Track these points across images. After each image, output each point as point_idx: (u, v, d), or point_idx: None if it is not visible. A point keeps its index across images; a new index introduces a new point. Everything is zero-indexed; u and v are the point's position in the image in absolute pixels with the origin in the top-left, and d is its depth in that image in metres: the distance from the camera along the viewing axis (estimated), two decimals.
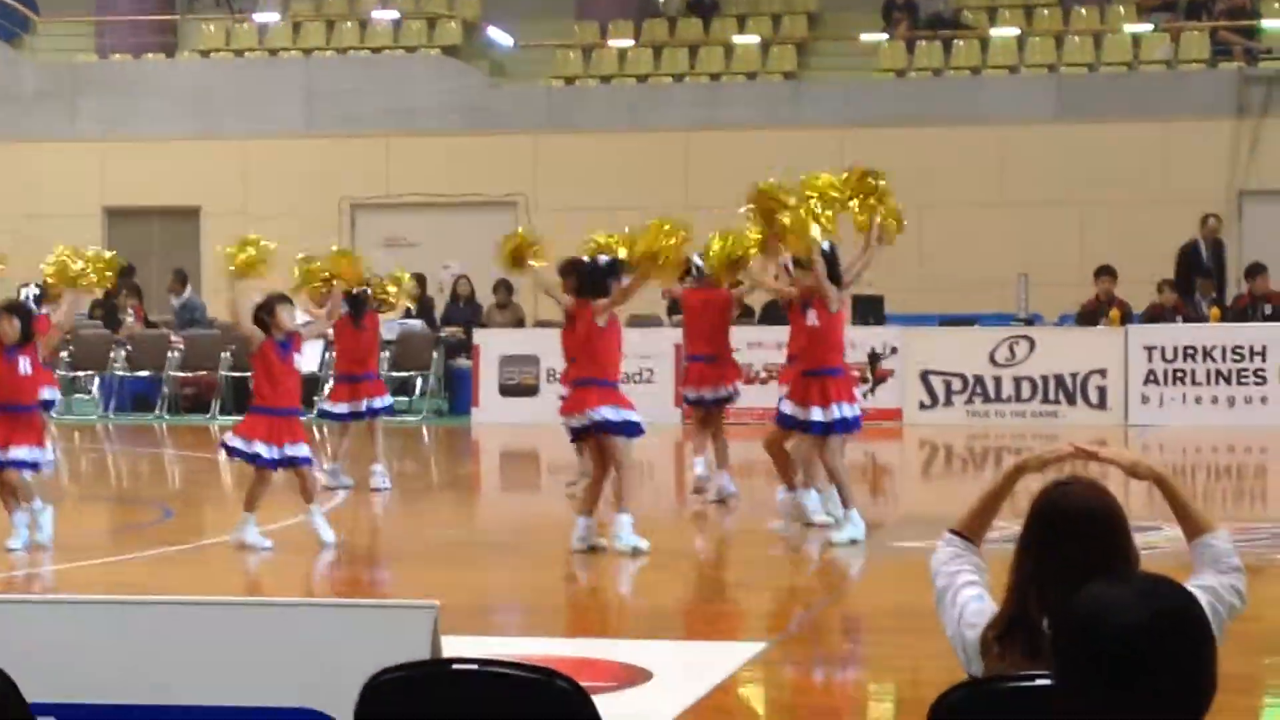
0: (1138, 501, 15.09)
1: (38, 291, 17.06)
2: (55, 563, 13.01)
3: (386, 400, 17.42)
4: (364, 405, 16.90)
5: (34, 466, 13.28)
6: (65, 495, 17.17)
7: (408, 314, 25.95)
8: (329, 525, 13.35)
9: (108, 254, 14.68)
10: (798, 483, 13.87)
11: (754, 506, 15.38)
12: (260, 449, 13.12)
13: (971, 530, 4.98)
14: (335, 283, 15.69)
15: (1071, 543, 4.59)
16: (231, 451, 13.34)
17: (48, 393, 15.48)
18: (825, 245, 13.68)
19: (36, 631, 5.46)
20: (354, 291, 17.11)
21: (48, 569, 12.80)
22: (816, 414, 13.18)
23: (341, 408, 16.98)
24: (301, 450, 13.21)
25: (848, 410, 13.25)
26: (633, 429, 12.82)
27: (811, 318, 13.32)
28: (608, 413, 12.73)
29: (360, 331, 16.99)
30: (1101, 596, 3.14)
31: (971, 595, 4.84)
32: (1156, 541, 11.66)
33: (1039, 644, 4.47)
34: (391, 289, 17.38)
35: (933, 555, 4.99)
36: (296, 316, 13.82)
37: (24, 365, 13.25)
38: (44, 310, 16.11)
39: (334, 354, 18.13)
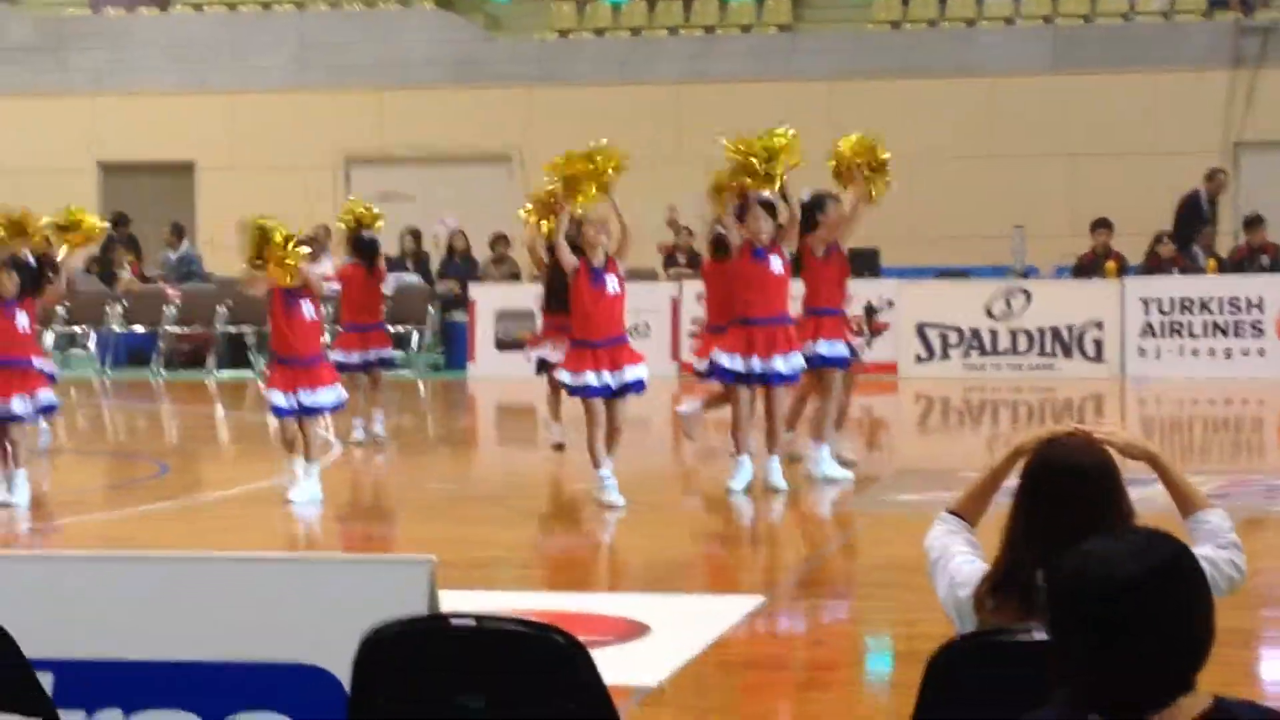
0: None
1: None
2: (52, 518, 13.03)
3: (390, 351, 17.38)
4: (373, 355, 16.83)
5: (46, 411, 13.36)
6: (62, 450, 17.19)
7: (404, 268, 25.93)
8: (309, 487, 13.28)
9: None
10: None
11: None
12: (277, 398, 13.21)
13: (967, 511, 4.98)
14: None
15: (1063, 499, 4.60)
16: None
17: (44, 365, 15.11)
18: (805, 194, 13.85)
19: (34, 588, 5.46)
20: (365, 237, 17.02)
21: (43, 524, 12.81)
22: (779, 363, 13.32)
23: (354, 357, 16.76)
24: (318, 399, 13.20)
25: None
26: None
27: (776, 265, 13.37)
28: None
29: (372, 280, 16.90)
30: (1094, 553, 3.14)
31: (963, 560, 4.85)
32: (1154, 495, 11.61)
33: (1032, 599, 4.48)
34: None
35: (927, 533, 5.00)
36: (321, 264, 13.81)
37: (22, 320, 13.26)
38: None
39: (336, 305, 17.93)
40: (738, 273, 13.46)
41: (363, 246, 16.99)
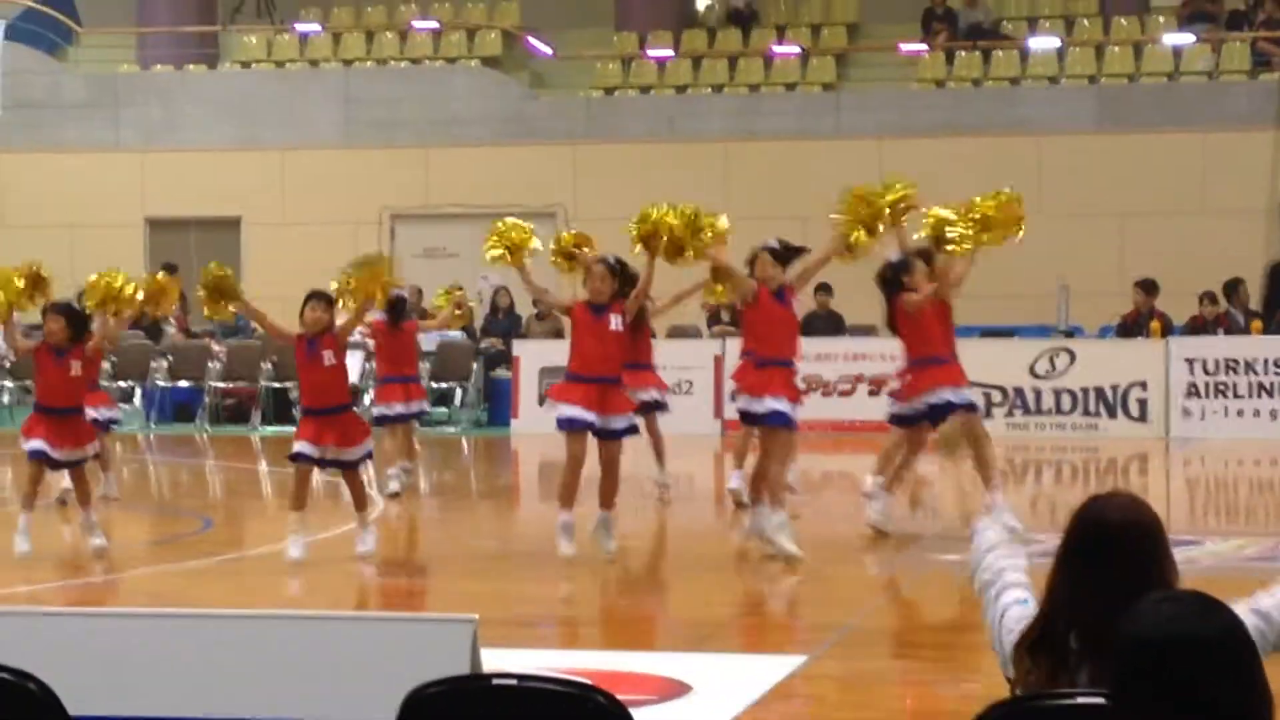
0: (1179, 515, 15.03)
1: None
2: (95, 574, 13.06)
3: (425, 405, 17.63)
4: (415, 407, 16.96)
5: (80, 461, 13.43)
6: (107, 506, 17.23)
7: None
8: (372, 537, 13.32)
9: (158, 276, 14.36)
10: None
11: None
12: (301, 447, 13.08)
13: None
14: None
15: (1108, 558, 4.56)
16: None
17: (106, 412, 15.99)
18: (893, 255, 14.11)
19: (78, 644, 5.48)
20: (394, 295, 17.13)
21: (87, 580, 12.85)
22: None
23: (398, 408, 16.89)
24: (346, 454, 13.11)
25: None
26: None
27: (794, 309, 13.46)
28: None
29: (399, 334, 17.01)
30: (1161, 612, 3.11)
31: (1015, 598, 4.77)
32: (1197, 556, 11.65)
33: (1068, 660, 4.45)
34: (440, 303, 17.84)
35: (977, 535, 4.87)
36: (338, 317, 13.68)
37: (74, 368, 13.32)
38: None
39: (374, 363, 18.17)
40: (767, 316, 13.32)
41: (390, 303, 17.12)
